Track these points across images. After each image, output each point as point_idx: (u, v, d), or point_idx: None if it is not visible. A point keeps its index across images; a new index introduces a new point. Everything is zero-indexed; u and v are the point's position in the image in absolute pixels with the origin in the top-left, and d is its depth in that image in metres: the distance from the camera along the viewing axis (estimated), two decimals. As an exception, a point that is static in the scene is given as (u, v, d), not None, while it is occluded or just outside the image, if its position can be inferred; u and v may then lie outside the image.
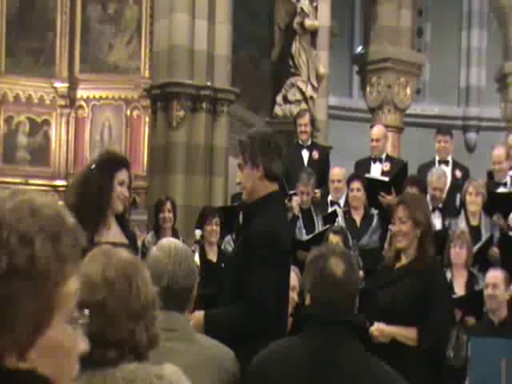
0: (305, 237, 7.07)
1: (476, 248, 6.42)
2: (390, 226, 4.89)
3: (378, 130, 8.67)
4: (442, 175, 7.42)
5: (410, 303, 4.23)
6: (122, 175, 3.97)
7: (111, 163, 4.01)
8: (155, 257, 2.81)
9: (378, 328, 4.23)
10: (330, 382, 2.58)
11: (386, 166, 8.13)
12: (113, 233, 3.97)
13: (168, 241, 2.96)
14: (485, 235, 6.78)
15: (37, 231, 1.15)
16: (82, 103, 9.58)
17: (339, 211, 7.46)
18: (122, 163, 4.05)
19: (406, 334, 4.23)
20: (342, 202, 7.63)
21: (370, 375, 2.61)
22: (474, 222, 6.87)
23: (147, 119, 9.35)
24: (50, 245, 1.16)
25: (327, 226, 7.14)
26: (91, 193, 3.91)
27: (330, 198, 7.76)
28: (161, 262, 2.77)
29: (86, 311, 1.27)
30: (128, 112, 9.58)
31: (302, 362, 2.60)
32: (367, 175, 7.82)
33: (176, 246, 2.88)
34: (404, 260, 4.38)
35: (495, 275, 5.61)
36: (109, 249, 2.04)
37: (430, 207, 7.03)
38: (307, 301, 2.73)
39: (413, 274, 4.32)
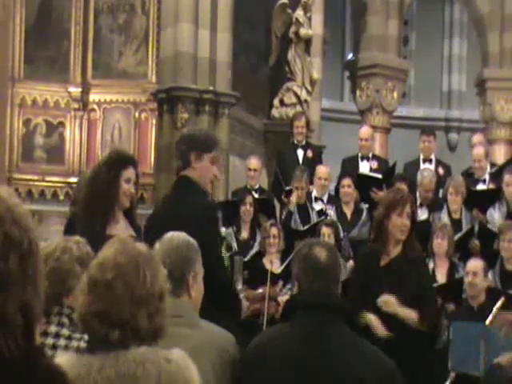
0: (301, 228, 7.11)
1: (457, 237, 6.46)
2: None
3: (365, 130, 8.67)
4: (432, 177, 7.46)
5: (412, 291, 4.23)
6: (129, 173, 3.95)
7: (118, 162, 3.99)
8: (158, 245, 2.83)
9: (388, 298, 4.20)
10: (320, 366, 2.56)
11: (374, 164, 8.15)
12: (121, 226, 3.96)
13: (173, 233, 2.96)
14: (465, 227, 6.81)
15: None
16: (94, 106, 9.56)
17: (322, 206, 7.50)
18: (128, 162, 4.03)
19: (409, 313, 4.21)
20: (325, 198, 7.65)
21: (358, 356, 2.59)
22: (455, 216, 6.91)
23: (154, 121, 9.34)
24: None
25: (321, 218, 7.17)
26: (99, 189, 3.91)
27: (314, 193, 7.76)
28: (161, 249, 2.79)
29: None
30: (136, 114, 9.57)
31: (293, 347, 2.58)
32: (361, 172, 7.83)
33: (179, 236, 2.88)
34: (395, 251, 4.37)
35: (475, 264, 5.63)
36: (126, 238, 2.07)
37: (419, 203, 7.10)
38: (295, 289, 2.72)
39: (406, 267, 4.32)
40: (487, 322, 4.24)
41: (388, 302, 4.21)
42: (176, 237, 2.86)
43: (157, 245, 2.78)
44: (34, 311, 1.14)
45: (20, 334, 1.10)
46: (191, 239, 2.84)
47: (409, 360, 4.05)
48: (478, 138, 8.70)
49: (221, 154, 4.05)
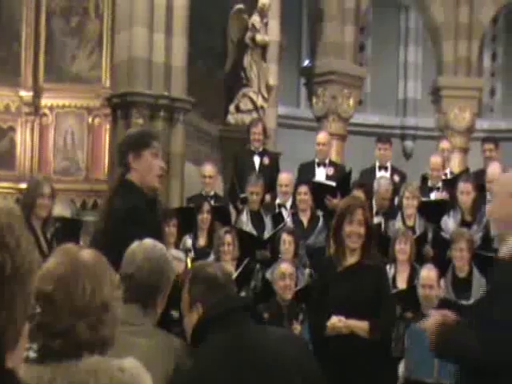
0: (265, 236, 7.13)
1: None
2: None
3: (322, 135, 8.74)
4: (389, 185, 7.56)
5: (366, 298, 4.29)
6: None
7: None
8: (132, 248, 2.83)
9: (339, 320, 4.25)
10: (256, 362, 2.55)
11: (330, 171, 8.20)
12: None
13: (152, 241, 2.96)
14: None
15: None
16: (46, 111, 9.45)
17: (285, 213, 7.53)
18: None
19: (361, 326, 4.27)
20: (288, 204, 7.67)
21: (279, 340, 2.67)
22: (409, 223, 6.99)
23: (108, 126, 9.27)
24: None
25: (281, 225, 7.19)
26: None
27: (277, 200, 7.80)
28: (135, 254, 2.79)
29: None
30: (90, 119, 9.48)
31: (226, 366, 2.54)
32: (315, 180, 7.87)
33: (156, 246, 2.88)
34: (350, 259, 4.40)
35: (429, 276, 5.64)
36: (71, 248, 2.01)
37: (375, 210, 7.17)
38: (199, 312, 2.66)
39: (363, 273, 4.36)
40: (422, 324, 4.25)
41: (337, 322, 4.26)
42: (158, 247, 2.88)
43: (136, 246, 2.80)
44: (6, 340, 1.10)
45: None
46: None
47: (365, 367, 4.13)
48: (443, 145, 8.82)
49: (160, 146, 3.94)
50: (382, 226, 7.10)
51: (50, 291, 1.84)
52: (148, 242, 2.93)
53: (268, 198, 7.94)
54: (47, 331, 1.82)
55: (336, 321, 4.27)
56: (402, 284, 6.11)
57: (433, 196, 7.49)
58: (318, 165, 8.25)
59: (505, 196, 3.00)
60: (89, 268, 1.92)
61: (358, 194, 6.90)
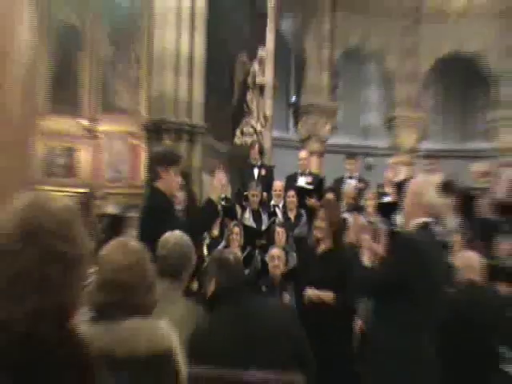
0: (263, 228, 7.12)
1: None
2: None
3: (303, 153, 8.75)
4: (353, 188, 7.58)
5: (334, 277, 4.29)
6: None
7: None
8: (166, 236, 2.82)
9: (312, 292, 4.26)
10: (253, 329, 2.55)
11: (309, 179, 8.20)
12: None
13: (180, 232, 2.93)
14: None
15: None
16: (100, 135, 9.47)
17: (278, 211, 7.52)
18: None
19: (328, 296, 4.28)
20: (280, 204, 7.68)
21: (280, 310, 2.71)
22: (370, 218, 6.97)
23: (144, 146, 9.27)
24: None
25: (272, 219, 7.19)
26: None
27: (272, 202, 7.81)
28: (167, 240, 2.80)
29: None
30: (131, 141, 9.49)
31: (232, 328, 2.54)
32: (298, 185, 7.88)
33: (183, 236, 2.88)
34: (324, 246, 4.40)
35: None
36: (125, 241, 1.99)
37: (345, 209, 7.16)
38: (214, 285, 2.68)
39: (333, 256, 4.36)
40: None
41: (311, 294, 4.25)
42: (185, 237, 2.87)
43: (170, 235, 2.80)
44: (68, 310, 1.10)
45: (53, 325, 1.07)
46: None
47: (332, 325, 4.14)
48: (393, 160, 8.80)
49: (180, 167, 3.94)
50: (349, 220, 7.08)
51: (125, 278, 1.84)
52: (177, 232, 2.92)
53: (265, 197, 7.93)
54: (123, 306, 1.82)
55: (310, 292, 4.28)
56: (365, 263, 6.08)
57: (386, 199, 7.49)
58: (301, 174, 8.26)
59: (409, 195, 3.11)
60: (143, 255, 1.92)
61: (329, 196, 6.92)
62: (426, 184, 3.09)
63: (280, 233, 6.52)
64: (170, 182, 3.75)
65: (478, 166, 8.13)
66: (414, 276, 2.89)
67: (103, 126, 9.49)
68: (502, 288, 4.99)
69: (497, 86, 14.57)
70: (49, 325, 1.07)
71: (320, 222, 4.35)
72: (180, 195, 3.90)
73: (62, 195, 9.02)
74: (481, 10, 14.19)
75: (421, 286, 2.90)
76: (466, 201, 7.18)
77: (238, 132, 10.44)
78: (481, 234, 6.38)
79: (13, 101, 5.88)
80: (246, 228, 6.80)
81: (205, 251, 5.46)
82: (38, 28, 6.36)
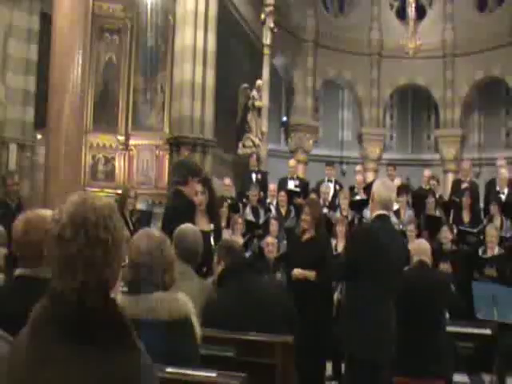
0: (260, 221, 7.11)
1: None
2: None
3: (292, 162, 8.81)
4: (329, 189, 7.57)
5: (316, 259, 4.26)
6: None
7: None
8: (183, 228, 2.80)
9: (298, 271, 4.27)
10: (254, 302, 2.52)
11: (297, 182, 8.20)
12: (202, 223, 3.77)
13: (194, 226, 2.90)
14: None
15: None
16: (132, 148, 9.43)
17: (272, 207, 7.52)
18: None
19: (311, 274, 4.26)
20: (274, 202, 7.68)
21: (274, 286, 2.71)
22: (344, 213, 6.97)
23: (167, 156, 9.26)
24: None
25: (267, 214, 7.18)
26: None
27: (268, 200, 7.79)
28: (185, 231, 2.77)
29: None
30: (157, 152, 9.46)
31: (237, 301, 2.52)
32: (288, 188, 7.89)
33: (197, 229, 2.85)
34: (308, 235, 4.41)
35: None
36: (151, 231, 1.97)
37: (322, 205, 7.15)
38: (222, 266, 2.64)
39: (315, 243, 4.36)
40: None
41: (297, 272, 4.25)
42: (196, 229, 2.84)
43: (186, 227, 2.77)
44: (109, 283, 1.12)
45: (98, 294, 1.09)
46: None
47: (315, 297, 4.12)
48: (357, 168, 8.81)
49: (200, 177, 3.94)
50: (328, 215, 7.08)
51: (148, 261, 1.84)
52: (192, 226, 2.92)
53: (261, 196, 7.92)
54: (148, 281, 1.82)
55: (296, 271, 4.29)
56: (340, 250, 6.07)
57: (357, 197, 7.49)
58: (290, 179, 8.27)
59: (371, 194, 3.13)
60: (163, 242, 1.93)
61: (313, 195, 6.91)
62: (381, 185, 3.11)
63: (274, 225, 6.52)
64: (192, 188, 3.75)
65: (427, 172, 8.19)
66: (370, 256, 2.87)
67: (135, 141, 9.48)
68: (444, 267, 5.06)
69: (439, 111, 14.96)
70: (94, 294, 1.08)
71: (305, 216, 4.35)
72: (200, 199, 3.87)
73: (103, 195, 9.01)
74: (428, 51, 14.35)
75: (378, 266, 2.88)
76: (417, 199, 7.21)
77: (240, 145, 10.44)
78: (427, 225, 6.42)
79: (67, 121, 5.89)
80: (246, 221, 6.80)
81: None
82: (86, 64, 6.37)
